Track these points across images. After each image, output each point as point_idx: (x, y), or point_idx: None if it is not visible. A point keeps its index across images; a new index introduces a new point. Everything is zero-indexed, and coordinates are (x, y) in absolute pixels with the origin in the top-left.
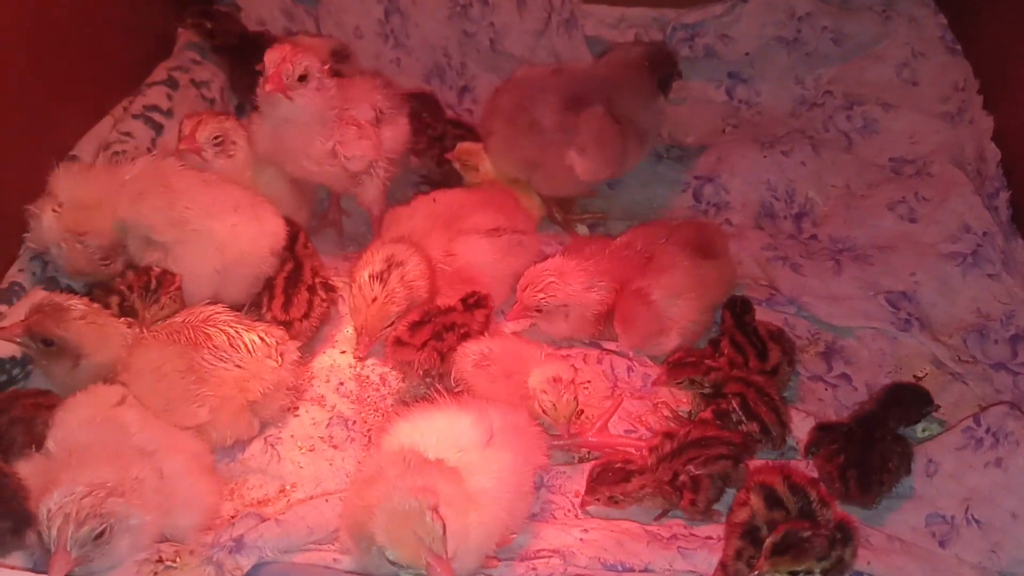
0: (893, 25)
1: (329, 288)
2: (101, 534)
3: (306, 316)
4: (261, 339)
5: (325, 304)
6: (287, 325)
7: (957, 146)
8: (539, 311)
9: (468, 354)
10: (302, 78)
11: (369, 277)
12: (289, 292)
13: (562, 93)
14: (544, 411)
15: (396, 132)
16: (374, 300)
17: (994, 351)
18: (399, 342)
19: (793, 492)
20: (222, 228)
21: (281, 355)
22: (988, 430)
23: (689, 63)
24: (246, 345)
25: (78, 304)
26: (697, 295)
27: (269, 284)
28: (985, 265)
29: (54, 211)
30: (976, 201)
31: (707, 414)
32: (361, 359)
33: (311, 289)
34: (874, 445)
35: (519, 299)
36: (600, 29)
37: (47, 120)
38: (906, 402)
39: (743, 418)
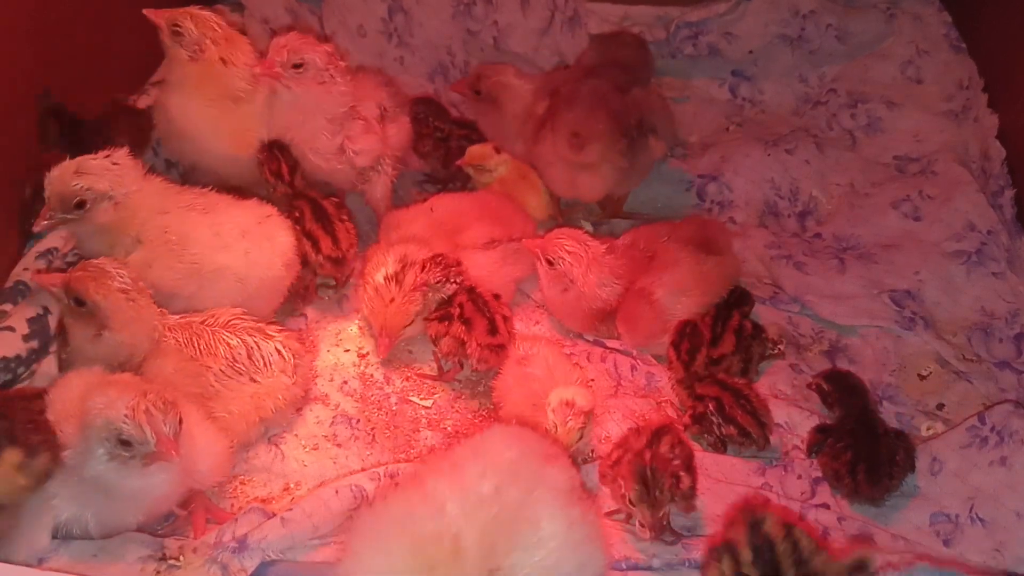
0: (897, 23)
1: (344, 206)
2: (181, 421)
3: (352, 245)
4: (278, 352)
5: (354, 229)
6: (341, 262)
7: (962, 144)
8: (550, 263)
9: (519, 347)
10: (297, 66)
11: (384, 279)
12: (327, 229)
13: (613, 86)
14: (548, 428)
15: (399, 130)
16: (391, 301)
17: (998, 349)
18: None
19: (758, 554)
20: (236, 260)
21: (295, 371)
22: (993, 429)
23: (692, 61)
24: (264, 358)
25: (124, 275)
26: (700, 292)
27: (305, 233)
28: (989, 263)
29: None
30: (981, 199)
31: (687, 418)
32: (383, 359)
33: (340, 219)
34: (878, 440)
35: (546, 239)
36: (604, 27)
37: None
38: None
39: (720, 421)
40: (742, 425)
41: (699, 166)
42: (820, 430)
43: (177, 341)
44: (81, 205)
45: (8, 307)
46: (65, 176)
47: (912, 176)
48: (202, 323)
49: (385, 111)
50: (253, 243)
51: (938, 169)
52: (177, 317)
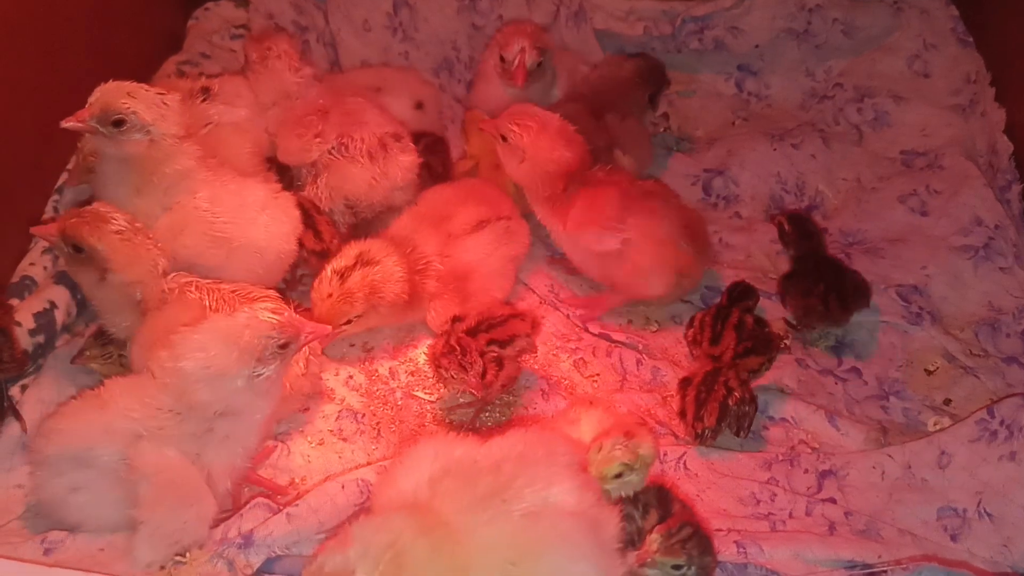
0: (904, 17)
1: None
2: None
3: (334, 236)
4: None
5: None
6: (325, 255)
7: (969, 139)
8: (504, 139)
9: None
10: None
11: (332, 272)
12: (308, 223)
13: (587, 110)
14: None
15: (376, 174)
16: (329, 296)
17: (1006, 345)
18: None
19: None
20: (258, 233)
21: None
22: (1002, 423)
23: (698, 56)
24: None
25: (120, 217)
26: (667, 222)
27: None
28: (997, 258)
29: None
30: (988, 194)
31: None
32: (320, 349)
33: (319, 212)
34: (844, 274)
35: (500, 117)
36: (609, 22)
37: (56, 116)
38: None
39: (680, 394)
40: (681, 406)
41: (705, 160)
42: (785, 277)
43: (201, 299)
44: (119, 124)
45: (15, 302)
46: (117, 92)
47: (919, 171)
48: (232, 292)
49: (371, 154)
50: (272, 217)
51: (945, 163)
52: (208, 281)
